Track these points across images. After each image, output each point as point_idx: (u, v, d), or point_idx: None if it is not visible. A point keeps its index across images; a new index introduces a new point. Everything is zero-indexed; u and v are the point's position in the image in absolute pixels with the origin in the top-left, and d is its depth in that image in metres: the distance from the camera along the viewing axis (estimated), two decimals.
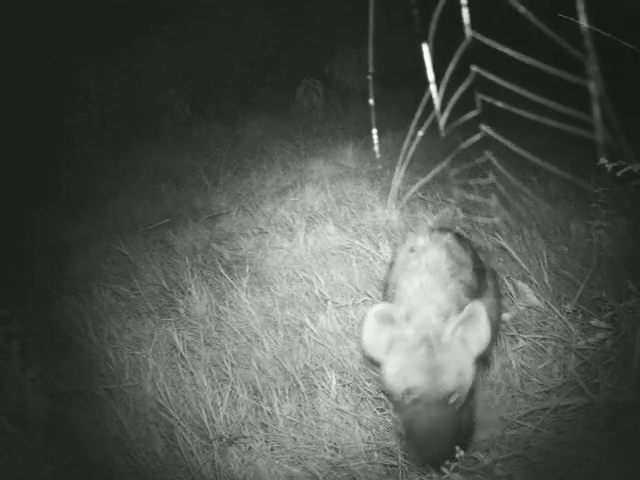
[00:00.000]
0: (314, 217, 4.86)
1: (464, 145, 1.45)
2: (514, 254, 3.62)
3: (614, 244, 3.56)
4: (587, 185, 3.74)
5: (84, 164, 6.80)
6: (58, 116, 7.57)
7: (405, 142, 1.48)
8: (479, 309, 2.21)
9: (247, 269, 4.18)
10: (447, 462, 2.22)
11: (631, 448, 2.40)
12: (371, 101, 1.51)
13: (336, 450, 2.70)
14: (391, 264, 2.77)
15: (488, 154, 1.46)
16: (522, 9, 1.09)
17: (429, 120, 1.38)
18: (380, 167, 5.65)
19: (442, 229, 2.81)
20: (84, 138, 7.60)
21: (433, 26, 1.18)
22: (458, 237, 2.76)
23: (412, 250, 2.60)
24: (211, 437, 2.78)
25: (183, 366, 3.31)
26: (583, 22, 1.04)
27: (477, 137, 1.40)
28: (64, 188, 6.19)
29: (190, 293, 3.95)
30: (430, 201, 4.85)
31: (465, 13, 1.13)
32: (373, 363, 2.41)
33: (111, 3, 8.01)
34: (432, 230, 2.77)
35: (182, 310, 3.87)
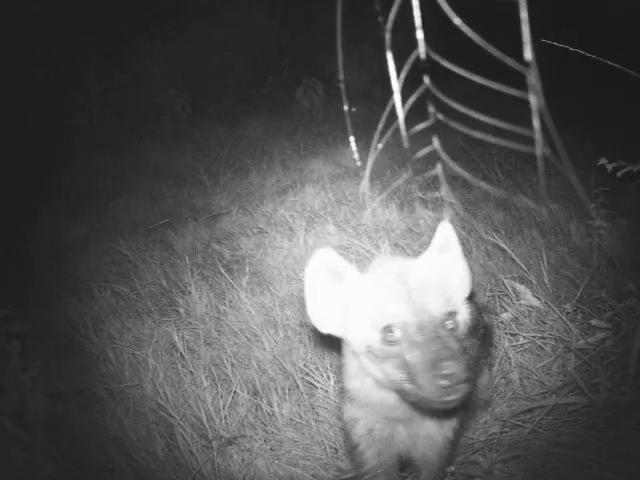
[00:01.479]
0: (314, 217, 4.86)
1: (416, 156, 1.45)
2: (513, 255, 3.62)
3: (614, 244, 3.56)
4: (589, 182, 3.76)
5: (84, 164, 6.80)
6: (58, 116, 7.57)
7: (370, 152, 1.48)
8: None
9: (247, 269, 4.18)
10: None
11: (631, 448, 2.40)
12: (345, 107, 1.50)
13: (335, 450, 2.71)
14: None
15: (439, 167, 1.46)
16: (457, 20, 1.09)
17: (390, 131, 1.38)
18: (362, 174, 5.65)
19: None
20: (84, 138, 7.60)
21: (388, 35, 1.19)
22: None
23: None
24: (211, 437, 2.78)
25: (183, 366, 3.31)
26: (526, 33, 1.04)
27: (427, 149, 1.40)
28: (64, 188, 6.19)
29: (190, 293, 3.95)
30: (430, 201, 4.85)
31: (417, 23, 1.13)
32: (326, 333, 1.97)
33: (112, 3, 8.01)
34: None
35: (182, 310, 3.87)
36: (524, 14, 1.02)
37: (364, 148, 6.25)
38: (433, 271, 1.86)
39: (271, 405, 2.96)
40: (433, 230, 3.91)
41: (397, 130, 1.33)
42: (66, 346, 3.70)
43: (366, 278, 1.83)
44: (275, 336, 3.44)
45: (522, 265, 3.53)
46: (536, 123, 1.11)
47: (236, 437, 2.78)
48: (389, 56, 1.21)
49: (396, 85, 1.22)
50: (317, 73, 8.52)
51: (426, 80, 1.20)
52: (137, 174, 6.59)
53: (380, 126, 1.37)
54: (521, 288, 3.40)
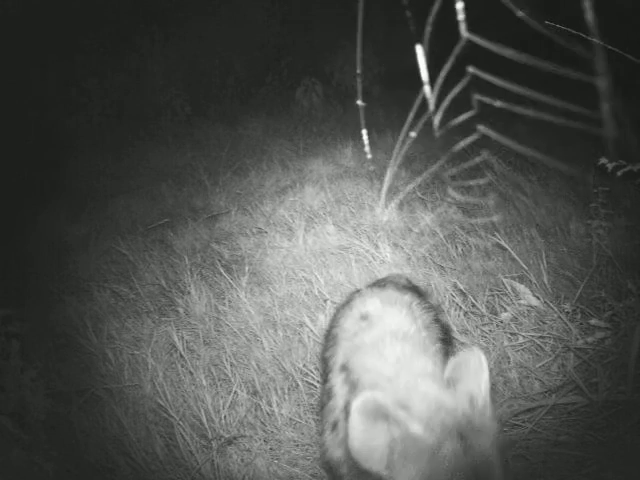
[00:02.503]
0: (313, 217, 4.86)
1: (461, 145, 1.45)
2: (514, 254, 3.62)
3: (613, 244, 3.57)
4: (589, 182, 3.75)
5: (84, 164, 6.80)
6: (58, 116, 7.57)
7: (397, 143, 1.48)
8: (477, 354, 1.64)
9: (246, 269, 4.18)
10: None
11: (630, 448, 2.40)
12: (359, 102, 1.51)
13: None
14: (331, 337, 2.15)
15: (486, 153, 1.47)
16: (520, 13, 1.09)
17: (422, 121, 1.38)
18: (372, 168, 5.64)
19: (396, 285, 2.35)
20: (84, 138, 7.60)
21: (429, 28, 1.18)
22: (417, 292, 2.35)
23: (364, 318, 2.04)
24: (210, 437, 2.78)
25: (182, 366, 3.31)
26: (590, 20, 1.04)
27: (474, 137, 1.40)
28: (64, 188, 6.19)
29: (189, 293, 3.95)
30: (430, 201, 4.85)
31: (460, 15, 1.13)
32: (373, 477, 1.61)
33: (112, 3, 8.01)
34: (382, 287, 2.32)
35: (181, 310, 3.87)
36: (588, 2, 1.02)
37: (363, 148, 6.27)
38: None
39: (270, 405, 2.96)
40: (433, 230, 3.91)
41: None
42: (65, 346, 3.70)
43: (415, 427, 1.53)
44: (274, 336, 3.45)
45: (522, 264, 3.53)
46: (605, 107, 1.12)
47: (236, 437, 2.78)
48: (419, 49, 1.21)
49: (426, 77, 1.23)
50: (317, 73, 8.52)
51: (471, 69, 1.20)
52: (137, 174, 6.59)
53: (411, 115, 1.37)
54: (521, 288, 3.40)
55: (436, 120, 1.30)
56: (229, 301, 3.86)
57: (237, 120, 7.83)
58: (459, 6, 1.12)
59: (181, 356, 3.37)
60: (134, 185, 6.28)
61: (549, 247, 3.80)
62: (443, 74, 1.20)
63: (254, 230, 4.86)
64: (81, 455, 2.88)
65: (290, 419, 2.90)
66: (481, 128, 1.31)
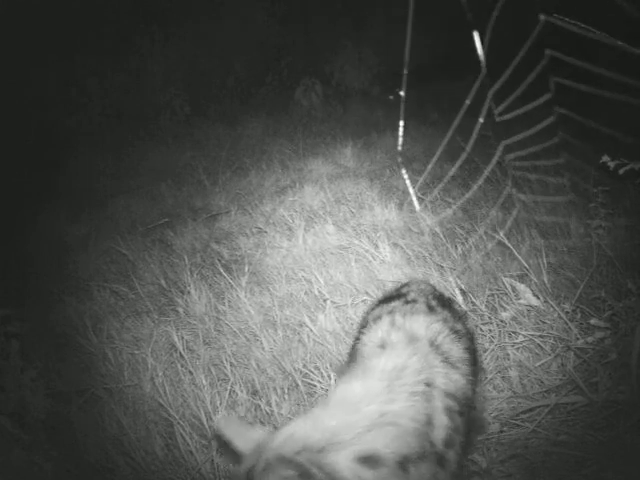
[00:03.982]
0: (313, 216, 4.86)
1: (538, 127, 1.46)
2: (515, 252, 3.62)
3: (613, 243, 3.57)
4: (588, 181, 3.74)
5: (84, 163, 6.80)
6: (58, 116, 7.57)
7: (447, 135, 1.47)
8: None
9: (246, 268, 4.18)
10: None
11: (630, 448, 2.40)
12: (402, 93, 1.51)
13: None
14: (352, 349, 2.20)
15: (562, 134, 1.47)
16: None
17: (485, 108, 1.39)
18: (400, 160, 5.63)
19: (427, 304, 2.26)
20: (84, 138, 7.60)
21: (495, 14, 1.20)
22: (447, 310, 2.27)
23: (383, 347, 2.00)
24: (210, 436, 2.78)
25: (182, 365, 3.31)
26: None
27: (552, 119, 1.41)
28: (64, 188, 6.19)
29: (189, 292, 3.95)
30: (429, 200, 4.85)
31: None
32: None
33: (112, 3, 8.02)
34: (413, 304, 2.24)
35: (181, 309, 3.87)
36: None
37: (363, 147, 6.28)
38: None
39: (270, 405, 2.96)
40: (433, 229, 3.92)
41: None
42: (65, 346, 3.70)
43: None
44: (274, 336, 3.44)
45: (524, 263, 3.53)
46: None
47: None
48: (476, 36, 1.22)
49: (484, 62, 1.23)
50: (316, 73, 8.53)
51: (548, 52, 1.21)
52: (136, 174, 6.60)
53: (467, 102, 1.37)
54: (521, 287, 3.40)
55: (499, 107, 1.31)
56: (229, 301, 3.86)
57: (237, 120, 7.83)
58: None
59: (181, 356, 3.37)
60: (134, 185, 6.29)
61: (549, 247, 3.80)
62: (519, 57, 1.20)
63: (254, 230, 4.85)
64: (81, 455, 2.88)
65: (290, 419, 2.90)
66: (559, 110, 1.32)
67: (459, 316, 2.29)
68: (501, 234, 3.86)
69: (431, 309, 2.21)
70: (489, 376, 2.94)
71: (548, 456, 2.48)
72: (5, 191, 5.03)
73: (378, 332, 2.11)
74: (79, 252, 4.90)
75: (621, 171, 3.07)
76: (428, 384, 1.86)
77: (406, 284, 2.51)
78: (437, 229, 4.28)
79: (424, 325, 2.07)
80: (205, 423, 2.86)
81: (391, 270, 3.88)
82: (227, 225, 5.05)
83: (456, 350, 2.04)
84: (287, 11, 9.12)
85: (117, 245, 4.80)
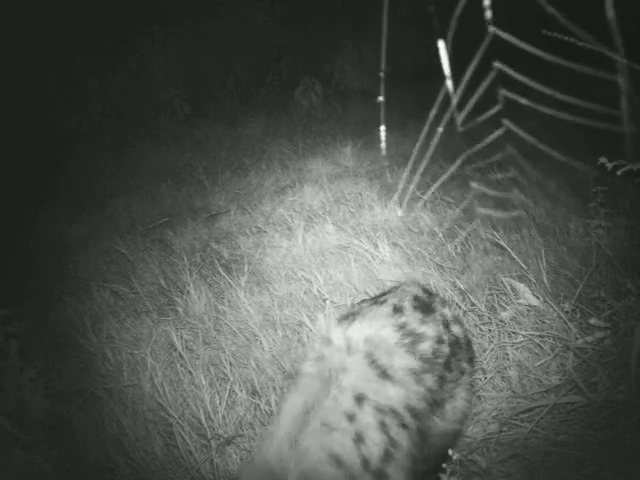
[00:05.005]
0: (313, 216, 4.86)
1: (487, 140, 1.46)
2: (512, 253, 3.62)
3: (613, 243, 3.57)
4: (588, 181, 3.74)
5: (83, 163, 6.80)
6: (59, 115, 7.57)
7: (419, 140, 1.46)
8: None
9: (246, 268, 4.18)
10: (444, 466, 2.20)
11: (630, 448, 2.40)
12: (381, 98, 1.50)
13: None
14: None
15: (511, 149, 1.46)
16: (550, 9, 1.09)
17: (446, 117, 1.38)
18: (386, 164, 5.63)
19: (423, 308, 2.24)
20: (84, 138, 7.60)
21: (454, 22, 1.19)
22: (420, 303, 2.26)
23: (372, 363, 1.98)
24: (209, 436, 2.78)
25: (182, 365, 3.31)
26: (611, 17, 1.04)
27: (500, 132, 1.40)
28: (63, 187, 6.18)
29: (189, 292, 3.95)
30: (429, 200, 4.84)
31: (488, 11, 1.13)
32: None
33: (112, 3, 8.01)
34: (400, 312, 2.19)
35: (181, 309, 3.87)
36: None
37: (363, 147, 6.28)
38: None
39: (270, 405, 2.96)
40: (432, 229, 3.91)
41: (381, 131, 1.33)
42: (65, 346, 3.70)
43: None
44: (274, 335, 3.44)
45: (521, 264, 3.53)
46: (625, 104, 1.12)
47: (235, 437, 2.78)
48: (441, 44, 1.21)
49: (448, 71, 1.23)
50: (316, 73, 8.52)
51: (497, 64, 1.20)
52: (136, 174, 6.59)
53: (434, 111, 1.37)
54: (520, 287, 3.40)
55: (460, 116, 1.30)
56: (228, 300, 3.86)
57: (237, 120, 7.83)
58: (487, 5, 1.12)
59: (180, 356, 3.37)
60: (134, 185, 6.28)
61: (548, 246, 3.80)
62: (470, 69, 1.20)
63: (253, 229, 4.85)
64: (80, 455, 2.88)
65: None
66: (507, 123, 1.31)
67: (439, 319, 2.22)
68: (497, 235, 3.86)
69: (397, 311, 2.17)
70: (488, 376, 2.94)
71: (548, 456, 2.48)
72: (5, 191, 5.03)
73: (316, 345, 2.13)
74: (79, 252, 4.90)
75: (619, 172, 3.07)
76: (359, 399, 1.86)
77: (396, 285, 2.49)
78: (436, 229, 4.28)
79: (363, 336, 2.04)
80: (204, 423, 2.87)
81: (391, 270, 3.88)
82: (227, 225, 5.05)
83: (403, 360, 2.00)
84: (287, 11, 9.11)
85: (117, 245, 4.80)
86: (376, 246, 4.15)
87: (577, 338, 2.96)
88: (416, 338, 2.08)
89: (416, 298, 2.28)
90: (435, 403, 2.04)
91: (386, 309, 2.19)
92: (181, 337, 3.55)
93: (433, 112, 1.40)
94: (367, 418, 1.83)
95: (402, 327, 2.10)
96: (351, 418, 1.81)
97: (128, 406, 3.12)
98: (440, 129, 1.42)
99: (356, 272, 3.92)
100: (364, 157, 6.19)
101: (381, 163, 5.75)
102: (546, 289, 3.35)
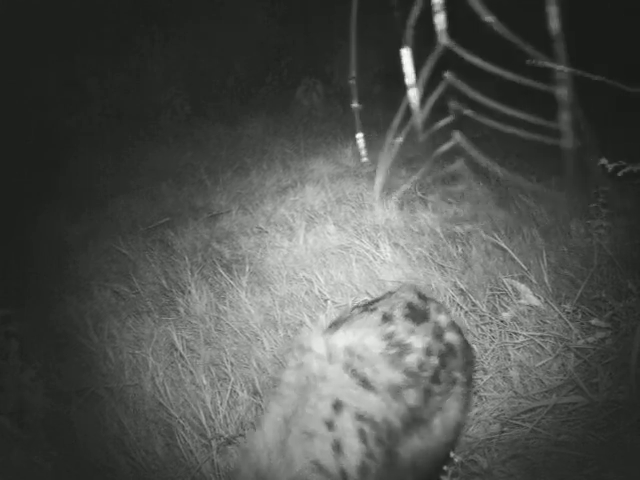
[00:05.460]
0: (314, 216, 4.86)
1: (441, 150, 1.46)
2: (513, 254, 3.62)
3: (614, 244, 3.57)
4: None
5: (84, 163, 6.80)
6: (59, 115, 7.57)
7: (385, 148, 1.47)
8: None
9: (247, 268, 4.18)
10: (445, 467, 2.20)
11: (631, 448, 2.40)
12: (355, 105, 1.50)
13: None
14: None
15: (462, 161, 1.46)
16: (489, 18, 1.10)
17: (407, 126, 1.39)
18: (367, 171, 5.63)
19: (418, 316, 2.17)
20: (84, 137, 7.60)
21: (410, 31, 1.19)
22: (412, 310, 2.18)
23: (355, 374, 1.93)
24: (210, 436, 2.78)
25: (183, 365, 3.31)
26: (555, 28, 1.04)
27: (450, 144, 1.40)
28: (64, 187, 6.19)
29: (190, 292, 3.95)
30: (430, 200, 4.84)
31: (439, 19, 1.14)
32: None
33: (112, 3, 8.01)
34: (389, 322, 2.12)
35: (182, 309, 3.87)
36: (554, 9, 1.02)
37: (364, 146, 6.27)
38: None
39: None
40: (433, 229, 3.90)
41: (400, 129, 1.34)
42: (66, 345, 3.70)
43: None
44: (275, 335, 3.44)
45: (522, 264, 3.53)
46: (566, 116, 1.12)
47: (235, 436, 2.78)
48: (406, 52, 1.21)
49: (412, 80, 1.23)
50: (317, 73, 8.52)
51: (448, 75, 1.21)
52: (137, 173, 6.59)
53: (396, 122, 1.37)
54: (521, 287, 3.40)
55: (419, 125, 1.31)
56: (230, 300, 3.86)
57: (237, 120, 7.82)
58: (440, 17, 1.13)
59: (181, 356, 3.37)
60: (134, 185, 6.28)
61: (550, 247, 3.79)
62: (423, 79, 1.20)
63: (255, 229, 4.85)
64: (81, 455, 2.88)
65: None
66: (457, 136, 1.31)
67: (431, 328, 2.15)
68: (496, 236, 3.86)
69: (386, 319, 2.11)
70: (490, 376, 2.93)
71: (549, 456, 2.47)
72: (5, 191, 5.03)
73: (296, 353, 2.07)
74: (79, 252, 4.89)
75: (620, 173, 3.07)
76: (337, 406, 1.83)
77: (391, 291, 2.41)
78: (438, 229, 4.28)
79: (346, 344, 1.99)
80: (205, 423, 2.86)
81: (392, 270, 3.88)
82: (228, 225, 5.05)
83: (386, 373, 1.95)
84: (287, 11, 9.11)
85: (118, 245, 4.80)
86: (377, 246, 4.15)
87: (578, 338, 2.96)
88: (402, 350, 2.02)
89: (409, 305, 2.21)
90: (416, 421, 1.96)
91: (375, 317, 2.13)
92: (182, 337, 3.55)
93: (396, 121, 1.40)
94: (346, 424, 1.80)
95: (389, 337, 2.04)
96: (330, 425, 1.79)
97: (129, 406, 3.12)
98: (399, 140, 1.42)
99: (357, 272, 3.91)
100: (370, 155, 6.18)
101: (362, 170, 5.74)
102: (547, 289, 3.35)
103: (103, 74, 8.20)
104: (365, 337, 2.02)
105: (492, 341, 3.13)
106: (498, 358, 3.03)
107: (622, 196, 3.97)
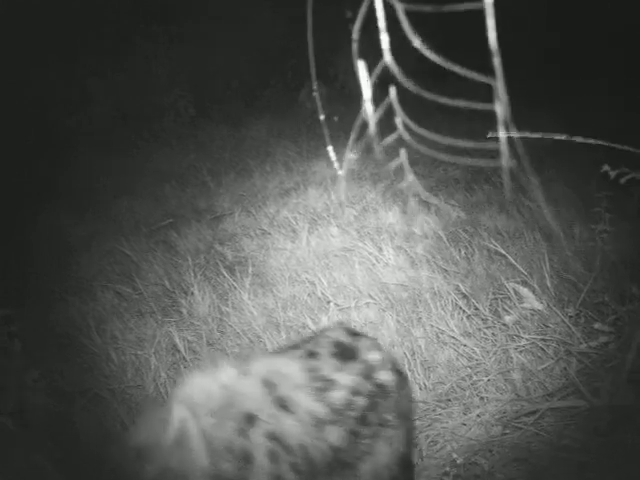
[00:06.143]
0: (317, 219, 4.86)
1: (390, 167, 1.45)
2: (512, 260, 3.62)
3: (617, 248, 3.57)
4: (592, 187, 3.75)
5: (87, 164, 6.80)
6: (62, 116, 7.58)
7: (343, 161, 1.46)
8: None
9: (250, 270, 4.18)
10: (447, 469, 2.20)
11: (633, 452, 2.40)
12: (322, 117, 1.49)
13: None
14: None
15: (408, 179, 1.45)
16: (417, 42, 1.09)
17: (362, 141, 1.38)
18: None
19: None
20: (87, 138, 7.60)
21: (355, 45, 1.19)
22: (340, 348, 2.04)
23: (281, 404, 1.82)
24: None
25: (185, 366, 3.31)
26: (493, 41, 1.03)
27: (395, 163, 1.39)
28: (67, 188, 6.19)
29: (192, 293, 3.95)
30: (433, 204, 4.84)
31: (382, 38, 1.13)
32: None
33: (112, 3, 8.03)
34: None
35: (184, 310, 3.87)
36: (491, 21, 1.01)
37: (367, 149, 6.24)
38: None
39: None
40: (436, 233, 3.90)
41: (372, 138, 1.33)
42: (68, 346, 3.70)
43: None
44: (277, 337, 3.45)
45: (522, 269, 3.53)
46: (502, 134, 1.11)
47: None
48: (360, 64, 1.20)
49: (368, 94, 1.22)
50: (321, 75, 8.52)
51: (392, 92, 1.20)
52: (140, 175, 6.59)
53: (353, 137, 1.36)
54: (524, 291, 3.40)
55: (372, 140, 1.30)
56: (232, 302, 3.87)
57: (241, 122, 7.83)
58: (383, 36, 1.12)
59: (184, 357, 3.38)
60: (138, 186, 6.28)
61: (553, 251, 3.80)
62: (368, 95, 1.19)
63: (257, 231, 4.86)
64: (83, 455, 2.88)
65: None
66: (402, 155, 1.30)
67: (360, 368, 2.00)
68: (494, 242, 3.87)
69: (311, 355, 1.98)
70: (492, 377, 2.94)
71: (551, 459, 2.48)
72: (5, 191, 5.04)
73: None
74: (82, 252, 4.90)
75: (622, 180, 3.07)
76: (249, 418, 1.75)
77: (318, 331, 2.28)
78: (441, 232, 4.28)
79: (264, 367, 1.90)
80: None
81: (395, 273, 3.89)
82: (231, 226, 5.05)
83: (308, 401, 1.83)
84: (292, 13, 9.11)
85: (121, 246, 4.80)
86: (380, 249, 4.16)
87: (581, 342, 2.97)
88: (327, 384, 1.89)
89: (336, 344, 2.07)
90: (340, 464, 1.85)
91: (298, 352, 2.01)
92: (185, 338, 3.56)
93: (352, 136, 1.40)
94: (258, 439, 1.72)
95: (312, 370, 1.92)
96: (241, 432, 1.72)
97: (132, 407, 3.13)
98: (352, 155, 1.42)
99: (360, 275, 3.92)
100: (368, 160, 6.19)
101: (339, 181, 5.73)
102: (550, 293, 3.35)
103: (103, 74, 8.20)
104: (285, 367, 1.91)
105: (494, 344, 3.14)
106: (500, 361, 3.03)
107: (626, 201, 3.97)
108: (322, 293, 3.78)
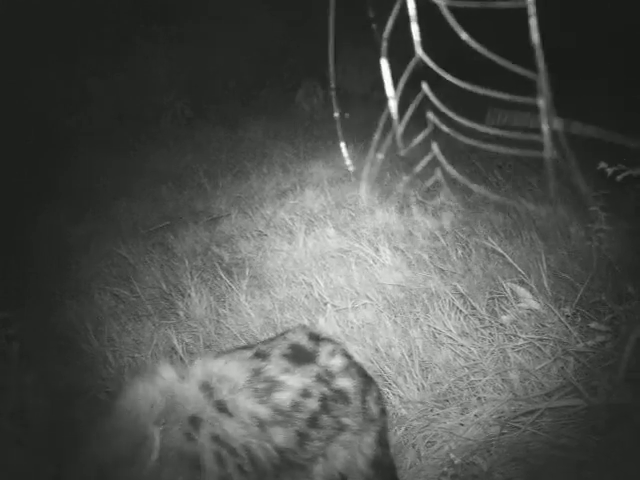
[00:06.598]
0: (314, 220, 4.86)
1: (420, 166, 1.45)
2: (510, 259, 3.62)
3: (614, 247, 3.57)
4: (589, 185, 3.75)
5: (84, 166, 6.80)
6: (60, 117, 7.58)
7: (367, 164, 1.47)
8: None
9: (247, 272, 4.18)
10: (445, 469, 2.20)
11: (630, 451, 2.40)
12: (336, 114, 1.50)
13: None
14: None
15: (439, 173, 1.45)
16: (464, 35, 1.09)
17: (387, 141, 1.38)
18: (353, 179, 5.63)
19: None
20: (85, 140, 7.60)
21: (385, 43, 1.19)
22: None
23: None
24: None
25: None
26: (536, 39, 1.04)
27: (427, 159, 1.39)
28: (64, 190, 6.19)
29: (190, 296, 3.95)
30: (430, 204, 4.84)
31: (414, 31, 1.14)
32: None
33: (112, 3, 8.02)
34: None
35: (182, 313, 3.87)
36: (533, 21, 1.02)
37: (364, 151, 6.29)
38: None
39: None
40: (433, 233, 3.91)
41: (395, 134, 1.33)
42: (66, 348, 3.70)
43: None
44: None
45: (519, 269, 3.53)
46: (545, 128, 1.11)
47: None
48: (384, 63, 1.21)
49: (391, 92, 1.22)
50: (317, 76, 8.52)
51: (424, 87, 1.20)
52: (137, 176, 6.59)
53: (377, 135, 1.36)
54: (521, 291, 3.40)
55: (399, 138, 1.30)
56: (229, 304, 3.86)
57: (238, 123, 7.83)
58: (414, 28, 1.12)
59: (181, 359, 3.37)
60: (136, 187, 6.28)
61: (549, 250, 3.80)
62: (399, 91, 1.20)
63: (254, 233, 4.85)
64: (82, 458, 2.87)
65: None
66: (434, 148, 1.31)
67: (315, 372, 2.03)
68: (492, 240, 3.87)
69: (258, 356, 2.01)
70: (489, 377, 2.94)
71: (549, 459, 2.48)
72: (5, 191, 5.04)
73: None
74: (80, 254, 4.89)
75: (619, 177, 3.08)
76: (193, 421, 1.77)
77: (280, 333, 2.32)
78: (437, 233, 4.28)
79: (202, 369, 1.95)
80: None
81: (392, 274, 3.89)
82: (228, 228, 5.05)
83: (248, 403, 1.86)
84: (289, 14, 9.12)
85: (118, 248, 4.80)
86: (377, 250, 4.16)
87: (578, 342, 2.97)
88: (271, 385, 1.91)
89: (293, 346, 2.09)
90: (289, 464, 1.87)
91: (247, 353, 2.03)
92: (182, 340, 3.55)
93: (377, 135, 1.40)
94: (205, 442, 1.74)
95: (256, 371, 1.94)
96: (189, 437, 1.73)
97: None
98: (380, 156, 1.42)
99: (357, 276, 3.92)
100: (365, 161, 6.19)
101: (350, 180, 5.72)
102: (547, 293, 3.35)
103: (103, 74, 8.20)
104: (226, 367, 1.94)
105: (491, 344, 3.14)
106: (497, 361, 3.03)
107: (622, 200, 3.98)
108: (319, 294, 3.78)
